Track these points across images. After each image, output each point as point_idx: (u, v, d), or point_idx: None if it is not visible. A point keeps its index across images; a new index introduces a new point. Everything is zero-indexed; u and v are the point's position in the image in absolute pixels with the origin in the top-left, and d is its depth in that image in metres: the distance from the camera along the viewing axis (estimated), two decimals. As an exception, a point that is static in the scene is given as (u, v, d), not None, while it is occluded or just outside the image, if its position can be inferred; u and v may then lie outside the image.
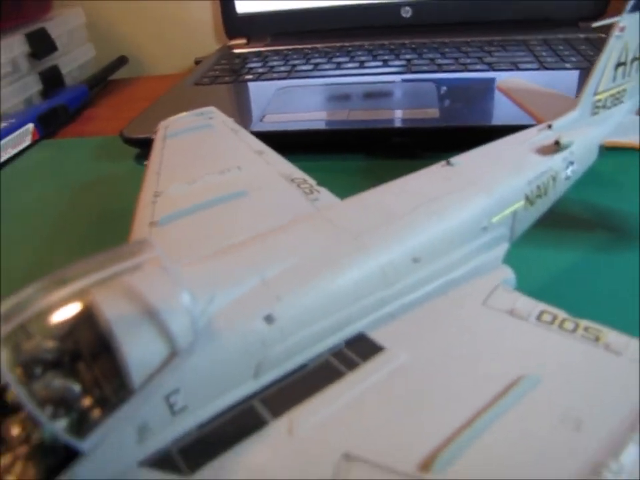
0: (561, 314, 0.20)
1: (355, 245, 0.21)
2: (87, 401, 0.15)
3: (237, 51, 0.79)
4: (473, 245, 0.24)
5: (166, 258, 0.17)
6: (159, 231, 0.27)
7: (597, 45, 0.65)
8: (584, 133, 0.31)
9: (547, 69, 0.58)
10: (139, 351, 0.15)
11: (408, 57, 0.67)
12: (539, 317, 0.20)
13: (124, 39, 0.94)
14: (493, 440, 0.15)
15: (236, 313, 0.18)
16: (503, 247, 0.25)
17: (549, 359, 0.18)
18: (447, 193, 0.24)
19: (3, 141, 0.64)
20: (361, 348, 0.19)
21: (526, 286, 0.32)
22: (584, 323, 0.20)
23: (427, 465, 0.15)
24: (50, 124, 0.70)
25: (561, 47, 0.64)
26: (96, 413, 0.15)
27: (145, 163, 0.38)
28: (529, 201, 0.26)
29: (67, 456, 0.15)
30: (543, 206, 0.28)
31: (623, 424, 0.15)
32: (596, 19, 0.72)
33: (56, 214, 0.48)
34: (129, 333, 0.15)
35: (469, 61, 0.63)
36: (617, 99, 0.35)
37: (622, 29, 0.32)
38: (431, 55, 0.66)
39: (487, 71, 0.59)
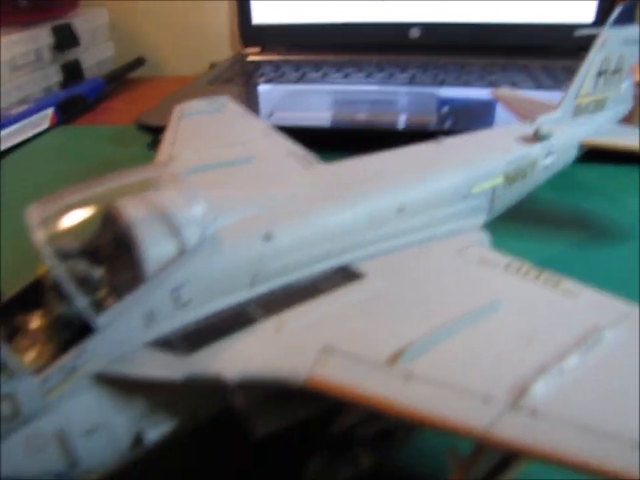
0: (527, 264, 0.23)
1: (346, 191, 0.24)
2: (104, 285, 0.17)
3: (250, 58, 0.82)
4: (454, 208, 0.26)
5: (185, 175, 0.20)
6: (190, 177, 0.30)
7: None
8: (564, 130, 0.34)
9: (543, 89, 0.61)
10: (152, 245, 0.18)
11: (413, 71, 0.70)
12: (506, 266, 0.23)
13: (144, 40, 0.98)
14: (455, 344, 0.18)
15: (240, 228, 0.21)
16: (482, 217, 0.28)
17: (511, 294, 0.21)
18: (432, 161, 0.27)
19: (23, 122, 0.67)
20: (345, 274, 0.22)
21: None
22: (547, 273, 0.23)
23: (395, 358, 0.17)
24: (68, 111, 0.74)
25: (558, 73, 0.68)
26: (112, 296, 0.17)
27: (159, 137, 0.40)
28: (508, 179, 0.29)
29: (81, 332, 0.17)
30: (521, 187, 0.31)
31: (568, 343, 0.18)
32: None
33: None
34: (145, 229, 0.18)
35: (469, 78, 0.66)
36: (598, 106, 0.38)
37: (604, 40, 0.35)
38: (434, 72, 0.70)
39: (486, 87, 0.63)
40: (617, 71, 0.38)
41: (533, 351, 0.17)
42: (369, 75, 0.68)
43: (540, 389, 0.16)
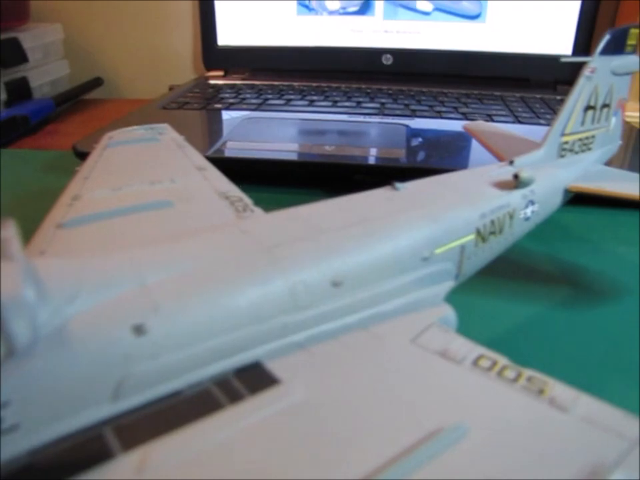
0: (502, 360, 0.18)
1: (264, 258, 0.18)
2: None
3: (212, 81, 0.77)
4: (410, 276, 0.21)
5: (16, 246, 0.14)
6: (62, 233, 0.24)
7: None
8: (548, 174, 0.29)
9: (521, 122, 0.56)
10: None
11: (383, 100, 0.65)
12: (475, 362, 0.17)
13: (103, 60, 0.92)
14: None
15: (100, 317, 0.14)
16: (447, 285, 0.22)
17: (481, 410, 0.15)
18: (385, 215, 0.22)
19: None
20: (253, 379, 0.16)
21: (475, 337, 0.29)
22: (528, 372, 0.17)
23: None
24: (8, 133, 0.67)
25: (537, 105, 0.64)
26: None
27: (77, 168, 0.35)
28: (481, 236, 0.24)
29: None
30: (497, 245, 0.25)
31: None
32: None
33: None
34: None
35: (443, 109, 0.62)
36: (585, 145, 0.33)
37: (592, 70, 0.31)
38: (406, 101, 0.65)
39: (460, 119, 0.58)
40: (605, 105, 0.33)
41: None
42: (334, 103, 0.63)
43: None
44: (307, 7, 0.77)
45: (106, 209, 0.26)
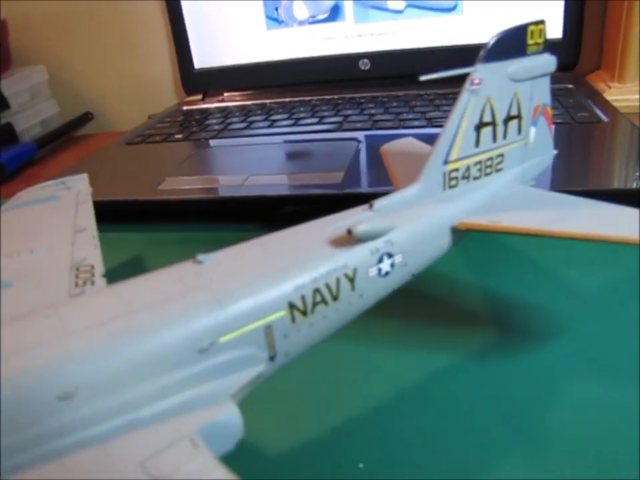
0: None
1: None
2: None
3: (185, 107, 0.75)
4: (179, 374, 0.18)
5: None
6: None
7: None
8: (418, 215, 0.25)
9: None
10: None
11: (349, 112, 0.62)
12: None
13: (90, 95, 0.92)
14: None
15: None
16: (248, 373, 0.19)
17: None
18: (155, 303, 0.18)
19: None
20: None
21: (364, 401, 0.26)
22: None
23: None
24: (-20, 183, 0.68)
25: None
26: None
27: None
28: (299, 310, 0.20)
29: None
30: (334, 313, 0.22)
31: None
32: (569, 68, 0.67)
33: None
34: None
35: (410, 116, 0.58)
36: (489, 167, 0.29)
37: (477, 82, 0.26)
38: (373, 111, 0.61)
39: (425, 127, 0.54)
40: (512, 117, 0.29)
41: None
42: (296, 122, 0.60)
43: None
44: (276, 19, 0.74)
45: None
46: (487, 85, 0.27)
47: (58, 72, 0.89)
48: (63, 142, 0.84)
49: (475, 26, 0.69)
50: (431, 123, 0.55)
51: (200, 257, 0.21)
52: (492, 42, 0.27)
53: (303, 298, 0.20)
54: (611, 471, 0.21)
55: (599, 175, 0.42)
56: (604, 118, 0.53)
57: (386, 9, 0.71)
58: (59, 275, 0.27)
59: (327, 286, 0.21)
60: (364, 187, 0.42)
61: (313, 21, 0.73)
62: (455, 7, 0.69)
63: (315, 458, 0.24)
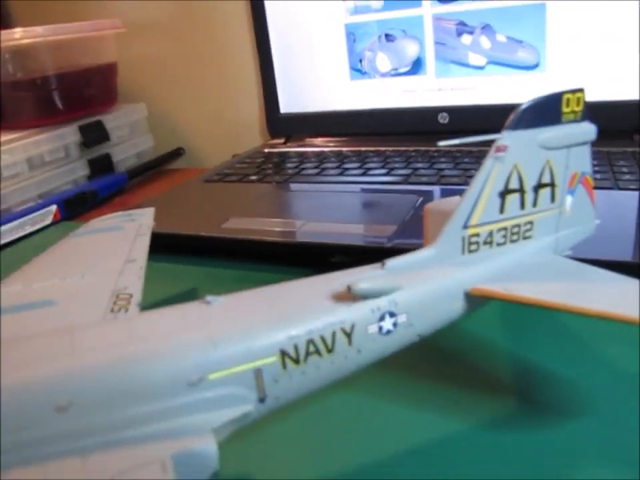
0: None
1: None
2: None
3: (267, 150, 0.79)
4: (168, 403, 0.19)
5: None
6: None
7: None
8: (431, 276, 0.26)
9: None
10: None
11: (419, 165, 0.62)
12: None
13: (183, 132, 0.98)
14: None
15: None
16: (234, 410, 0.20)
17: None
18: (157, 336, 0.20)
19: (23, 219, 0.68)
20: None
21: (373, 453, 0.26)
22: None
23: None
24: (77, 207, 0.74)
25: (614, 160, 0.58)
26: None
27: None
28: (290, 358, 0.21)
29: None
30: (330, 365, 0.22)
31: None
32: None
33: None
34: None
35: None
36: (515, 234, 0.29)
37: (502, 149, 0.27)
38: (443, 165, 0.62)
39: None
40: (543, 185, 0.29)
41: None
42: (365, 172, 0.62)
43: None
44: (359, 70, 0.77)
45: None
46: (514, 151, 0.27)
47: (157, 109, 0.95)
48: (153, 174, 0.89)
49: (557, 84, 0.68)
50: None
51: (209, 298, 0.22)
52: (521, 109, 0.27)
53: (295, 347, 0.21)
54: None
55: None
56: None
57: (467, 65, 0.72)
58: (99, 300, 0.29)
59: (322, 338, 0.22)
60: (410, 242, 0.42)
61: (395, 73, 0.75)
62: (537, 65, 0.69)
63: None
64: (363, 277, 0.24)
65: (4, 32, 0.76)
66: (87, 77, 0.86)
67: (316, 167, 0.66)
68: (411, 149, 0.71)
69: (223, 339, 0.20)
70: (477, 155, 0.65)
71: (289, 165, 0.69)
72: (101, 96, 0.89)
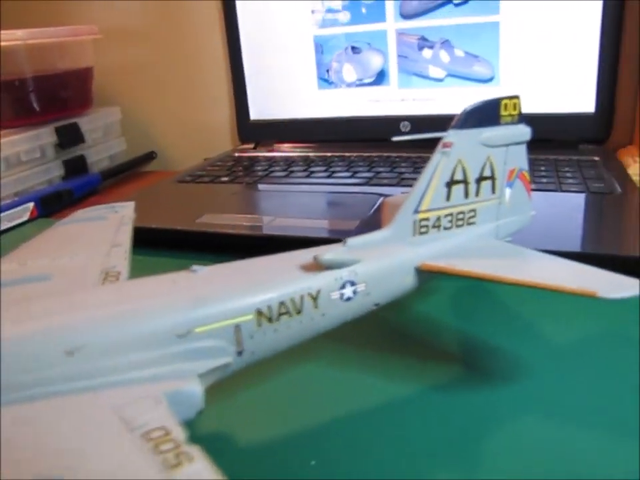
0: (175, 436, 0.19)
1: (13, 328, 0.21)
2: None
3: (237, 154, 0.83)
4: (160, 351, 0.23)
5: None
6: None
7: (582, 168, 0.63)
8: (386, 253, 0.30)
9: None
10: None
11: (380, 169, 0.67)
12: (146, 433, 0.19)
13: (155, 136, 1.01)
14: None
15: None
16: (216, 361, 0.24)
17: (90, 466, 0.17)
18: (152, 295, 0.24)
19: (1, 215, 0.70)
20: None
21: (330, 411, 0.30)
22: (187, 449, 0.18)
23: None
24: (53, 205, 0.76)
25: (560, 167, 0.63)
26: None
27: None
28: (265, 316, 0.25)
29: None
30: (299, 324, 0.26)
31: None
32: (600, 141, 0.71)
33: None
34: None
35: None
36: (460, 220, 0.33)
37: (448, 145, 0.31)
38: (403, 169, 0.66)
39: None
40: (484, 178, 0.33)
41: None
42: (331, 175, 0.66)
43: None
44: (326, 80, 0.81)
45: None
46: (458, 148, 0.31)
47: (130, 113, 0.98)
48: (126, 176, 0.92)
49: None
50: (452, 183, 0.59)
51: (194, 267, 0.26)
52: (465, 111, 0.31)
53: (269, 307, 0.25)
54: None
55: (594, 240, 0.45)
56: (618, 189, 0.56)
57: (428, 77, 0.77)
58: (91, 275, 0.32)
59: (292, 300, 0.26)
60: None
61: (360, 83, 0.80)
62: (492, 78, 0.74)
63: (275, 454, 0.28)
64: (327, 250, 0.28)
65: (-17, 35, 0.78)
66: (63, 80, 0.88)
67: (284, 170, 0.70)
68: (374, 154, 0.75)
69: (208, 298, 0.24)
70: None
71: (258, 168, 0.72)
72: (77, 99, 0.91)
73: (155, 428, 0.19)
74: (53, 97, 0.87)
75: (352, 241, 0.29)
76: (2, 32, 0.79)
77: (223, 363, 0.24)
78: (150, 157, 0.98)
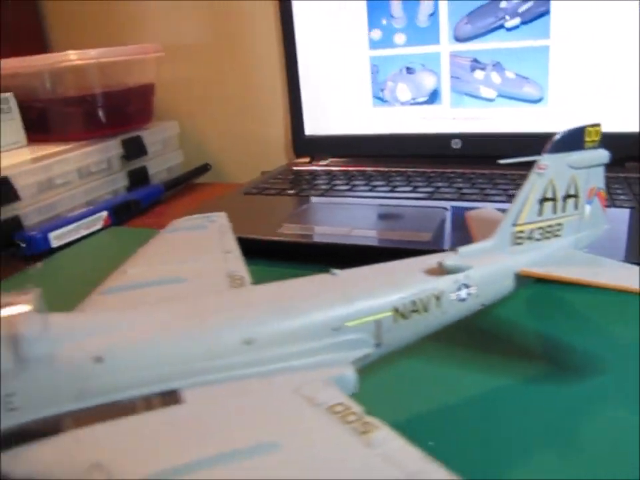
0: (355, 409, 0.23)
1: (194, 320, 0.25)
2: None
3: (295, 168, 0.87)
4: (319, 342, 0.27)
5: (38, 301, 0.23)
6: (99, 298, 0.33)
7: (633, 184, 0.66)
8: (493, 260, 0.34)
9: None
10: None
11: (439, 184, 0.71)
12: (330, 407, 0.23)
13: (210, 149, 1.06)
14: (207, 474, 0.18)
15: (76, 348, 0.23)
16: (361, 351, 0.28)
17: (300, 436, 0.21)
18: (307, 295, 0.28)
19: (78, 223, 0.75)
20: (166, 399, 0.23)
21: (429, 404, 0.34)
22: (369, 419, 0.22)
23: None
24: (123, 214, 0.81)
25: (615, 186, 0.66)
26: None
27: (139, 249, 0.44)
28: (400, 313, 0.29)
29: None
30: (424, 321, 0.30)
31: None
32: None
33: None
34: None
35: (493, 192, 0.66)
36: (548, 232, 0.37)
37: (543, 167, 0.35)
38: (460, 185, 0.70)
39: (504, 202, 0.62)
40: (570, 195, 0.37)
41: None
42: (393, 189, 0.70)
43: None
44: (381, 99, 0.86)
45: (136, 281, 0.34)
46: (550, 170, 0.36)
47: (187, 127, 1.03)
48: (184, 187, 0.97)
49: (557, 117, 0.77)
50: (511, 199, 0.63)
51: (334, 271, 0.30)
52: (557, 138, 0.35)
53: (404, 305, 0.29)
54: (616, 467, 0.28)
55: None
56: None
57: (479, 97, 0.81)
58: (218, 278, 0.37)
59: (421, 300, 0.30)
60: (448, 245, 0.51)
61: (414, 102, 0.84)
62: (541, 99, 0.78)
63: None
64: (445, 257, 0.32)
65: (62, 54, 0.84)
66: (129, 96, 0.94)
67: (346, 184, 0.74)
68: (429, 170, 0.79)
69: (354, 297, 0.28)
70: (489, 177, 0.74)
71: (320, 182, 0.77)
72: (140, 113, 0.97)
73: (335, 404, 0.23)
74: (119, 112, 0.93)
75: (463, 249, 0.33)
76: (77, 51, 0.85)
77: (365, 354, 0.28)
78: (204, 168, 1.03)
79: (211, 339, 0.25)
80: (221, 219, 0.51)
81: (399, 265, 0.32)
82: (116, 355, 0.23)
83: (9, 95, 0.87)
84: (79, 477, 0.19)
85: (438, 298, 0.31)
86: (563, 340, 0.40)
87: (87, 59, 0.85)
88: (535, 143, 0.78)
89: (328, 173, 0.82)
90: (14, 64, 0.87)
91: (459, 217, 0.58)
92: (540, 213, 0.36)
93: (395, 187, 0.71)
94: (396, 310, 0.29)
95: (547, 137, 0.72)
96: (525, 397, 0.34)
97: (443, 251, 0.50)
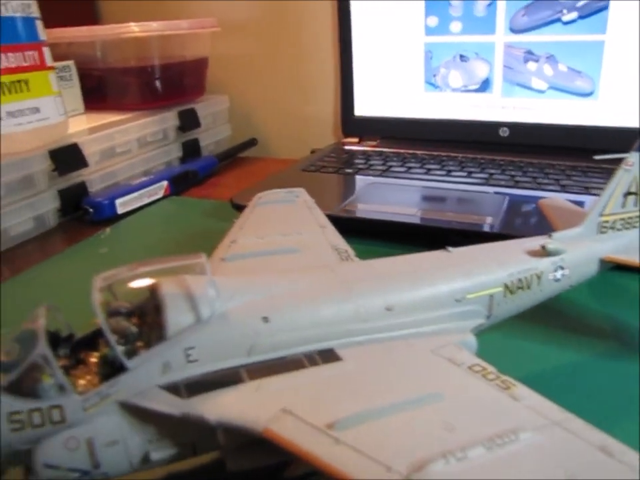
0: (490, 368, 0.27)
1: (342, 287, 0.29)
2: (139, 338, 0.24)
3: (347, 147, 0.90)
4: (445, 311, 0.30)
5: (207, 267, 0.26)
6: (225, 265, 0.37)
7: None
8: (583, 246, 0.37)
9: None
10: (175, 314, 0.24)
11: (492, 171, 0.74)
12: (470, 366, 0.27)
13: (257, 124, 1.10)
14: (385, 422, 0.22)
15: (245, 309, 0.26)
16: (477, 321, 0.32)
17: (459, 389, 0.25)
18: (431, 268, 0.32)
19: (141, 191, 0.78)
20: (326, 356, 0.27)
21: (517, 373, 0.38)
22: (504, 377, 0.26)
23: (331, 425, 0.22)
24: (181, 184, 0.85)
25: None
26: (142, 347, 0.24)
27: (234, 220, 0.48)
28: (509, 289, 0.33)
29: (118, 370, 0.24)
30: (526, 297, 0.34)
31: (484, 437, 0.22)
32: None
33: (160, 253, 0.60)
34: (172, 302, 0.24)
35: (545, 181, 0.69)
36: (628, 224, 0.40)
37: (630, 164, 0.39)
38: (513, 172, 0.73)
39: (558, 192, 0.66)
40: (650, 191, 0.41)
41: (449, 438, 0.21)
42: (448, 173, 0.73)
43: (436, 468, 0.19)
44: (433, 84, 0.89)
45: (253, 250, 0.38)
46: (636, 167, 0.39)
47: (237, 101, 1.06)
48: (232, 160, 1.00)
49: (606, 112, 0.80)
50: (565, 189, 0.66)
51: (449, 248, 0.34)
52: (642, 138, 0.39)
53: (512, 282, 0.33)
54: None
55: None
56: None
57: (530, 88, 0.84)
58: (326, 251, 0.40)
59: (525, 278, 0.34)
60: (513, 230, 0.54)
61: (465, 89, 0.87)
62: (592, 93, 0.81)
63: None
64: (545, 241, 0.35)
65: (123, 25, 0.86)
66: (184, 69, 0.96)
67: (401, 166, 0.78)
68: (479, 156, 0.82)
69: (473, 271, 0.32)
70: (538, 166, 0.77)
71: (375, 162, 0.80)
72: (194, 86, 1.00)
73: (473, 364, 0.27)
74: (175, 84, 0.96)
75: (557, 235, 0.37)
76: (138, 23, 0.87)
77: (479, 323, 0.32)
78: (251, 143, 1.06)
79: (360, 304, 0.29)
80: (303, 195, 0.54)
81: (501, 246, 0.36)
82: (280, 315, 0.27)
83: (70, 62, 0.89)
84: (268, 421, 0.22)
85: (539, 277, 0.34)
86: (628, 322, 0.44)
87: (148, 31, 0.88)
88: (582, 135, 0.81)
89: (380, 153, 0.85)
90: (74, 33, 0.89)
91: (518, 204, 0.62)
92: (623, 205, 0.39)
93: (450, 171, 0.75)
94: (506, 286, 0.33)
95: (595, 130, 0.76)
96: (597, 370, 0.38)
97: (510, 235, 0.54)
